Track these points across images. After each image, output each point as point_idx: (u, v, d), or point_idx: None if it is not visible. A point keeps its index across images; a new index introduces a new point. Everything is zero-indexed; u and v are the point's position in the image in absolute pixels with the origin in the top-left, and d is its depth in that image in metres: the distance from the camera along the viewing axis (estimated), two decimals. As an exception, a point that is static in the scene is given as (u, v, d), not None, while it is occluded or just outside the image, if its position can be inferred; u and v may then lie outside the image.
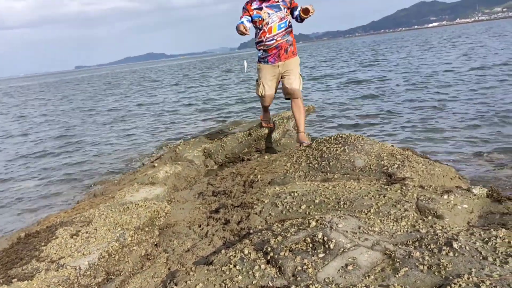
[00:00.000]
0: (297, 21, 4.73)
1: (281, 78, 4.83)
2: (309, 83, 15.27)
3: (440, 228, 2.14)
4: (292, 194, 3.00)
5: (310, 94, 12.50)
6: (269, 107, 5.34)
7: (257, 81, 4.99)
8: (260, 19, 4.68)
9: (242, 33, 4.41)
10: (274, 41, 4.68)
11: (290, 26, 4.78)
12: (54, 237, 2.74)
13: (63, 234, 2.76)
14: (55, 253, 2.50)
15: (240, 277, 2.00)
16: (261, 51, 4.82)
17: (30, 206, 5.14)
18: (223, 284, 2.00)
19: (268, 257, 2.07)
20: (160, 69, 64.64)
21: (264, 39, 4.71)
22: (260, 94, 4.96)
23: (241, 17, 4.71)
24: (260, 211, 2.94)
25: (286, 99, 4.87)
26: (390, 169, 3.33)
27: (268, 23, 4.66)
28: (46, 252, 2.54)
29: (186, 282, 2.14)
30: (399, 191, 2.71)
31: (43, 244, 2.68)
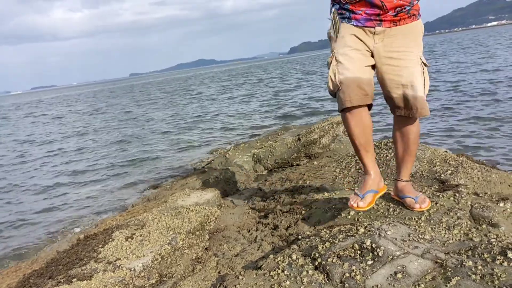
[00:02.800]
0: None
1: (379, 66, 2.33)
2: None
3: (495, 237, 2.06)
4: (341, 200, 2.99)
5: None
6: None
7: (329, 63, 2.36)
8: None
9: None
10: None
11: None
12: (110, 240, 2.87)
13: (119, 236, 2.89)
14: (111, 255, 2.63)
15: (288, 282, 2.02)
16: (339, 4, 2.38)
17: (88, 210, 5.40)
18: (271, 289, 2.03)
19: (316, 263, 2.07)
20: (213, 75, 65.71)
21: None
22: (331, 84, 2.31)
23: None
24: (309, 217, 2.95)
25: (394, 112, 2.40)
26: (443, 175, 3.24)
27: None
28: (103, 253, 2.67)
29: (235, 285, 2.19)
30: (452, 198, 2.64)
31: (100, 246, 2.82)
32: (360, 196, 2.40)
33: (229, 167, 5.22)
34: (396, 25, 2.27)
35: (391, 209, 2.60)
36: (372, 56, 2.33)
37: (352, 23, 2.31)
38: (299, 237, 2.70)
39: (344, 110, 2.30)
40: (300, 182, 4.03)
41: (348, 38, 2.31)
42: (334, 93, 2.35)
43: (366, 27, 2.27)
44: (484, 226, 2.25)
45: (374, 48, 2.30)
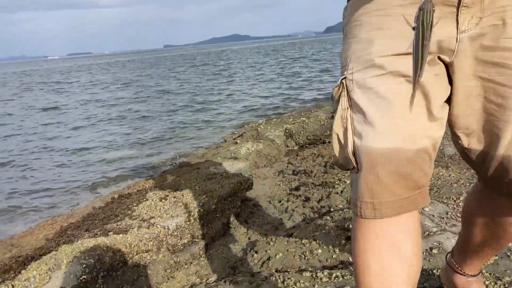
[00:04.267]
0: None
1: (459, 86, 0.89)
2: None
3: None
4: (375, 177, 2.96)
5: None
6: None
7: (334, 98, 0.95)
8: None
9: None
10: None
11: None
12: (144, 199, 2.93)
13: (152, 197, 2.94)
14: (146, 213, 2.68)
15: (320, 251, 2.03)
16: None
17: (121, 171, 5.52)
18: (303, 256, 2.04)
19: (349, 234, 2.07)
20: (247, 51, 65.38)
21: None
22: (338, 151, 0.96)
23: None
24: (342, 191, 2.94)
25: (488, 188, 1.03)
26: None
27: None
28: (138, 211, 2.73)
29: (266, 251, 2.21)
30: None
31: (135, 204, 2.88)
32: None
33: (261, 140, 5.22)
34: None
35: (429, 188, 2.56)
36: (448, 69, 0.92)
37: None
38: (332, 209, 2.70)
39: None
40: (332, 158, 4.00)
41: (382, 43, 0.91)
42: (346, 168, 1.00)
43: None
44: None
45: (457, 45, 0.88)
